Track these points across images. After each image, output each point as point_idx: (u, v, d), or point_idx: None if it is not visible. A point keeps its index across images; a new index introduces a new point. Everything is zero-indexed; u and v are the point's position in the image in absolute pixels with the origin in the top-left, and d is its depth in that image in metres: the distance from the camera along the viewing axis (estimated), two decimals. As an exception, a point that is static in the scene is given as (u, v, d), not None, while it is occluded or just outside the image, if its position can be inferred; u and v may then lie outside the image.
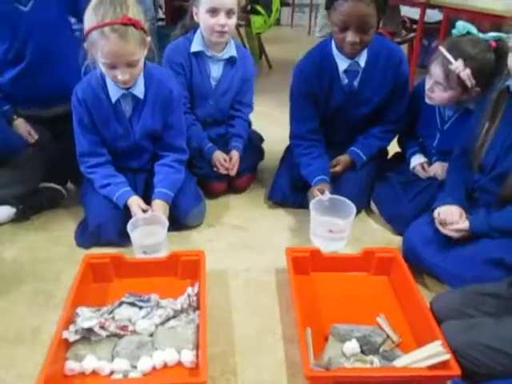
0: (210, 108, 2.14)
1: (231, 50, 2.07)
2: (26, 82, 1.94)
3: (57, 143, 2.07)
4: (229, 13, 1.93)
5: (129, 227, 1.63)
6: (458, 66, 1.62)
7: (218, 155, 2.08)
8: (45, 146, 2.02)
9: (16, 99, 1.99)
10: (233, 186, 2.19)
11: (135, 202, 1.72)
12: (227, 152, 2.10)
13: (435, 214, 1.61)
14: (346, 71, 1.88)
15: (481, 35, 1.64)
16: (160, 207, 1.73)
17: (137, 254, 1.64)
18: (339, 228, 1.73)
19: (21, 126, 2.01)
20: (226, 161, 2.07)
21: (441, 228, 1.59)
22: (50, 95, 2.01)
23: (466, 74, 1.62)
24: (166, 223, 1.65)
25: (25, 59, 1.90)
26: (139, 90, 1.72)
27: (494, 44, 1.61)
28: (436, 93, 1.73)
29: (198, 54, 2.05)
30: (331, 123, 2.02)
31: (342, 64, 1.86)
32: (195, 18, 2.00)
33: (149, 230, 1.67)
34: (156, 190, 1.78)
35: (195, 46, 2.03)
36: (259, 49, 4.31)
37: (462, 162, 1.69)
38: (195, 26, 2.04)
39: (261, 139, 2.39)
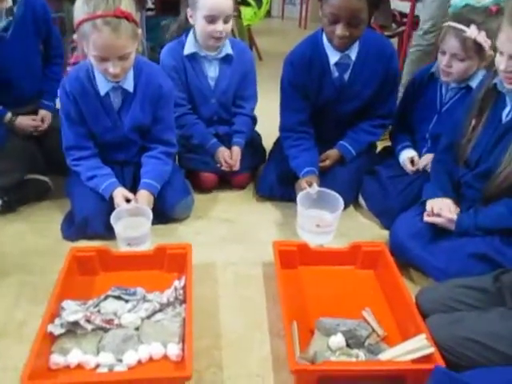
0: (213, 107, 2.12)
1: (226, 49, 2.04)
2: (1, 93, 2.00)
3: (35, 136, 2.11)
4: (226, 19, 1.92)
5: (112, 219, 1.61)
6: (472, 31, 1.65)
7: (223, 152, 2.06)
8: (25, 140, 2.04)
9: None
10: (231, 183, 2.18)
11: (120, 194, 1.70)
12: (230, 148, 2.09)
13: (428, 207, 1.63)
14: (336, 64, 1.87)
15: (479, 4, 1.67)
16: (145, 198, 1.72)
17: (121, 246, 1.63)
18: (326, 223, 1.73)
19: (23, 120, 2.03)
20: (231, 158, 2.06)
21: (428, 218, 1.61)
22: (23, 100, 2.09)
23: (481, 36, 1.65)
24: (150, 215, 1.64)
25: (5, 83, 1.98)
26: (129, 84, 1.70)
27: (494, 9, 1.64)
28: (454, 66, 1.73)
29: (191, 56, 2.03)
30: (321, 118, 2.01)
31: (333, 57, 1.85)
32: (190, 20, 1.97)
33: (133, 222, 1.66)
34: (142, 180, 1.77)
35: (188, 49, 2.01)
36: (249, 41, 4.28)
37: (448, 154, 1.70)
38: (190, 27, 2.02)
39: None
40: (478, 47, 1.68)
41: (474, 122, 1.58)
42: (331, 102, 1.95)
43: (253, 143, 2.24)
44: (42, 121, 2.11)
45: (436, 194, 1.66)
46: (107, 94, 1.70)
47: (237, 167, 2.07)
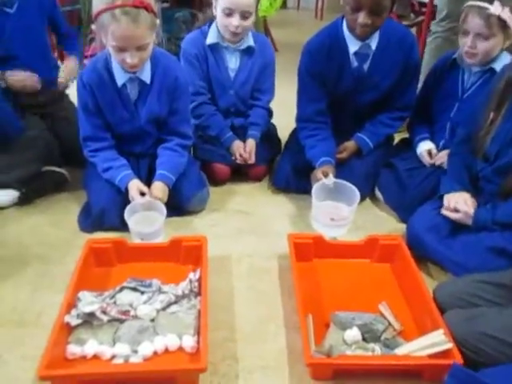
0: (231, 98, 2.12)
1: (248, 41, 2.03)
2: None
3: (53, 127, 2.14)
4: (244, 14, 1.90)
5: (126, 214, 1.62)
6: (495, 7, 1.63)
7: (238, 145, 2.06)
8: (42, 131, 2.06)
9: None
10: (247, 175, 2.17)
11: (135, 186, 1.70)
12: (245, 141, 2.09)
13: (445, 201, 1.60)
14: (356, 53, 1.84)
15: None
16: (159, 189, 1.72)
17: (134, 240, 1.64)
18: (341, 217, 1.71)
19: (15, 74, 2.02)
20: (245, 151, 2.05)
21: (445, 212, 1.58)
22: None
23: (505, 12, 1.63)
24: (164, 210, 1.64)
25: (11, 58, 2.00)
26: (146, 75, 1.70)
27: None
28: (479, 46, 1.70)
29: (213, 46, 2.02)
30: (338, 109, 1.99)
31: (353, 46, 1.83)
32: (214, 11, 1.97)
33: (146, 216, 1.67)
34: (157, 171, 1.77)
35: (210, 38, 2.01)
36: (265, 32, 4.25)
37: (465, 146, 1.67)
38: (214, 19, 2.01)
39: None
40: (503, 24, 1.64)
41: (492, 114, 1.55)
42: (349, 93, 1.93)
43: (269, 135, 2.23)
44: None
45: (453, 188, 1.63)
46: (124, 85, 1.70)
47: (252, 160, 2.06)
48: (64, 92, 2.27)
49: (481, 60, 1.74)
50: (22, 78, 2.02)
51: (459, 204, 1.56)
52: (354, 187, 1.73)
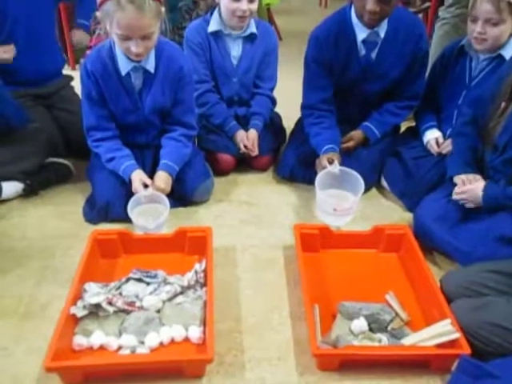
0: (234, 86, 2.10)
1: (251, 28, 2.01)
2: (17, 63, 1.96)
3: (56, 118, 2.13)
4: None
5: (129, 207, 1.61)
6: None
7: (241, 135, 2.04)
8: (46, 124, 2.05)
9: (9, 82, 1.99)
10: (252, 166, 2.15)
11: (138, 177, 1.69)
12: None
13: (458, 181, 1.59)
14: (364, 41, 1.81)
15: None
16: (162, 179, 1.71)
17: (137, 232, 1.63)
18: (344, 207, 1.70)
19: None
20: (248, 141, 2.03)
21: (457, 194, 1.56)
22: (41, 76, 2.09)
23: None
24: (168, 204, 1.63)
25: (16, 42, 1.94)
26: (150, 64, 1.68)
27: None
28: (488, 32, 1.67)
29: (216, 34, 2.00)
30: (345, 98, 1.96)
31: (361, 34, 1.80)
32: None
33: (149, 209, 1.66)
34: (161, 161, 1.76)
35: (212, 26, 1.99)
36: (269, 20, 4.21)
37: (471, 128, 1.65)
38: (216, 6, 1.99)
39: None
40: None
41: (503, 105, 1.52)
42: (357, 82, 1.90)
43: (273, 125, 2.21)
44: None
45: (464, 170, 1.61)
46: (128, 74, 1.68)
47: (255, 152, 2.04)
48: (69, 83, 2.25)
49: (490, 46, 1.70)
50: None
51: (469, 180, 1.56)
52: (358, 176, 1.71)
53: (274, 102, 2.21)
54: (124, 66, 1.66)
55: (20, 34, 1.95)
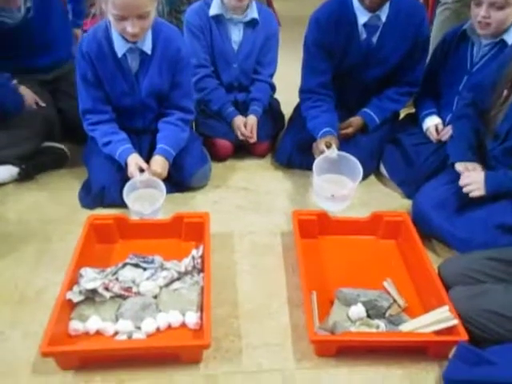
0: (234, 72, 2.06)
1: (252, 13, 1.97)
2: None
3: (56, 102, 2.11)
4: None
5: (125, 192, 1.59)
6: None
7: (239, 121, 2.01)
8: (45, 106, 2.01)
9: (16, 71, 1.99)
10: (251, 152, 2.13)
11: (133, 162, 1.67)
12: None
13: (461, 168, 1.57)
14: (365, 25, 1.78)
15: None
16: (159, 164, 1.69)
17: (133, 217, 1.62)
18: (342, 193, 1.68)
19: (26, 93, 1.98)
20: (246, 127, 2.01)
21: (464, 179, 1.54)
22: (46, 65, 2.09)
23: None
24: (164, 189, 1.62)
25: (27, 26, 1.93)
26: (147, 45, 1.65)
27: None
28: (492, 16, 1.63)
29: (217, 18, 1.96)
30: (345, 83, 1.93)
31: (362, 17, 1.76)
32: None
33: (145, 194, 1.64)
34: (158, 145, 1.74)
35: (214, 10, 1.95)
36: (267, 5, 4.15)
37: (472, 109, 1.64)
38: None
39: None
40: None
41: (505, 92, 1.50)
42: (357, 66, 1.87)
43: (272, 111, 2.19)
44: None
45: (466, 156, 1.59)
46: (124, 55, 1.65)
47: (254, 139, 2.02)
48: (73, 69, 2.22)
49: (494, 30, 1.67)
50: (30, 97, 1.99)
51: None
52: (357, 161, 1.69)
53: (273, 88, 2.19)
54: (120, 47, 1.63)
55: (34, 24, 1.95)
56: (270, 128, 2.14)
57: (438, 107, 1.93)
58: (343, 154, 1.73)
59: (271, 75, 2.14)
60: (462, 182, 1.53)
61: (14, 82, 1.94)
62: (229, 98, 2.07)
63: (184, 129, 1.81)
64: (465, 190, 1.52)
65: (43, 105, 1.99)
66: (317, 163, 1.69)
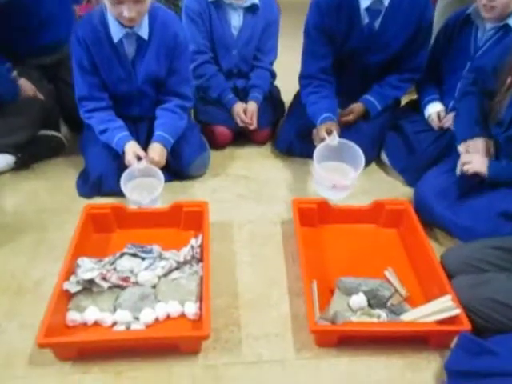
0: (234, 58, 2.02)
1: None
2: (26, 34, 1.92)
3: (56, 90, 2.07)
4: None
5: (122, 181, 1.56)
6: None
7: (239, 108, 1.98)
8: (43, 94, 1.97)
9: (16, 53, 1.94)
10: (251, 139, 2.11)
11: (131, 150, 1.64)
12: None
13: (461, 148, 1.55)
14: (367, 9, 1.74)
15: None
16: (157, 151, 1.66)
17: (131, 206, 1.60)
18: (343, 184, 1.66)
19: (26, 85, 1.93)
20: (246, 115, 1.97)
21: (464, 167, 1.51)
22: (46, 45, 2.01)
23: None
24: (162, 178, 1.59)
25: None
26: (144, 31, 1.61)
27: None
28: None
29: (216, 3, 1.92)
30: (345, 69, 1.90)
31: (364, 1, 1.72)
32: None
33: (143, 183, 1.62)
34: (155, 132, 1.71)
35: None
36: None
37: (476, 87, 1.61)
38: None
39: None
40: None
41: (509, 79, 1.47)
42: (358, 52, 1.83)
43: (272, 98, 2.15)
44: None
45: (472, 132, 1.56)
46: (121, 41, 1.62)
47: (254, 126, 1.99)
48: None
49: (499, 14, 1.63)
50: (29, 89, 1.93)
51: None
52: (358, 148, 1.66)
53: (273, 75, 2.15)
54: (116, 33, 1.59)
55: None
56: (271, 115, 2.11)
57: (440, 93, 1.90)
58: (344, 141, 1.70)
59: (272, 62, 2.10)
60: (461, 161, 1.52)
61: (14, 73, 1.90)
62: (228, 85, 2.04)
63: (182, 116, 1.78)
64: (464, 168, 1.50)
65: (42, 97, 1.94)
66: (317, 151, 1.66)
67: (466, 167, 1.49)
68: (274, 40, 2.07)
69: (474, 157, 1.50)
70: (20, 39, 1.93)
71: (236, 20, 1.97)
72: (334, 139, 1.69)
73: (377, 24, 1.77)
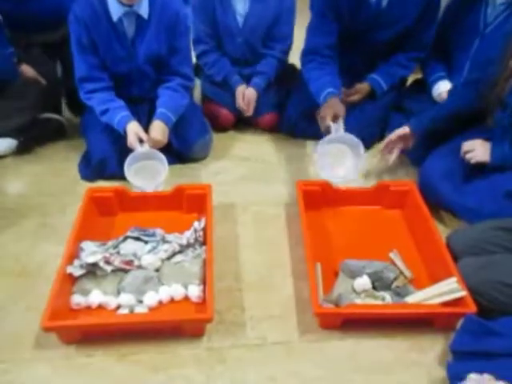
0: (239, 47, 1.95)
1: None
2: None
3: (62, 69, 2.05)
4: None
5: (126, 167, 1.55)
6: None
7: (239, 90, 1.94)
8: (43, 70, 1.94)
9: (19, 26, 1.90)
10: (255, 125, 2.05)
11: (133, 132, 1.61)
12: None
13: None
14: None
15: None
16: (158, 130, 1.64)
17: (134, 189, 1.59)
18: (347, 179, 1.64)
19: (27, 71, 1.91)
20: (244, 99, 1.93)
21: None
22: (51, 19, 1.96)
23: None
24: (165, 162, 1.58)
25: None
26: (144, 9, 1.58)
27: None
28: None
29: None
30: (352, 47, 1.85)
31: None
32: None
33: (146, 166, 1.61)
34: (157, 110, 1.68)
35: None
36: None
37: (471, 89, 1.59)
38: None
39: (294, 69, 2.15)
40: None
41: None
42: (365, 30, 1.79)
43: (276, 78, 2.04)
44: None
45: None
46: (120, 20, 1.59)
47: (250, 112, 1.95)
48: None
49: None
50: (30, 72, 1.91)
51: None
52: (360, 142, 1.61)
53: (282, 63, 2.03)
54: (115, 11, 1.56)
55: None
56: (274, 97, 2.03)
57: (447, 71, 1.86)
58: (348, 135, 1.64)
59: (284, 51, 1.99)
60: (463, 149, 1.50)
61: (15, 60, 1.88)
62: (233, 69, 1.99)
63: (184, 95, 1.75)
64: (466, 157, 1.48)
65: (44, 82, 1.92)
66: (320, 145, 1.62)
67: (468, 156, 1.47)
68: (288, 28, 1.95)
69: (475, 144, 1.47)
70: (22, 6, 1.87)
71: (242, 7, 1.88)
72: (338, 129, 1.63)
73: (384, 1, 1.72)
